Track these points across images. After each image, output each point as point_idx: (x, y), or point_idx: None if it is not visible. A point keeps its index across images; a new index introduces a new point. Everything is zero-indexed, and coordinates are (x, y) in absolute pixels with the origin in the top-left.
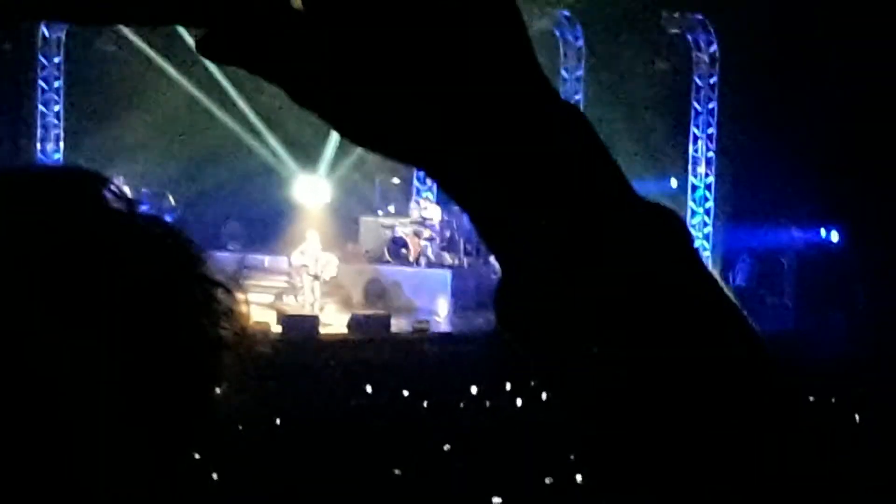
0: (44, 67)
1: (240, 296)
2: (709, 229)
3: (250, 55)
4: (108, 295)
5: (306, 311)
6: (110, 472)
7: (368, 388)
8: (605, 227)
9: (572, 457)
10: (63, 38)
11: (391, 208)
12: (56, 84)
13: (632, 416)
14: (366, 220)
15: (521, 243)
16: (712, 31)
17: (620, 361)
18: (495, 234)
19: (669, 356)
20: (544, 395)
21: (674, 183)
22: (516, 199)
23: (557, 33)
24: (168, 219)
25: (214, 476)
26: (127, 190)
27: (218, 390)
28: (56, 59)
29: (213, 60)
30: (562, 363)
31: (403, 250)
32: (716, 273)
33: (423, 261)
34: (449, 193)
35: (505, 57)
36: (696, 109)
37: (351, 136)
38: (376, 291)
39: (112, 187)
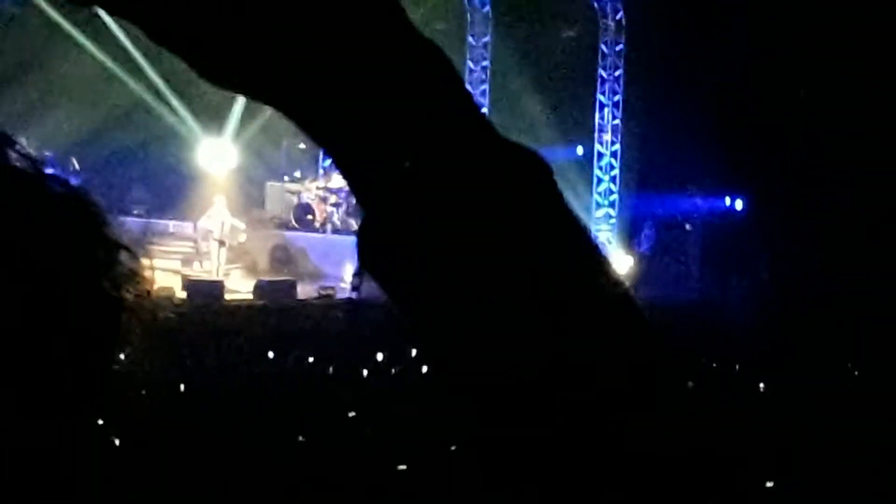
0: None
1: (144, 259)
2: (614, 197)
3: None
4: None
5: (212, 277)
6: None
7: (271, 355)
8: (463, 164)
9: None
10: None
11: (297, 174)
12: None
13: (492, 362)
14: (272, 186)
15: (378, 182)
16: None
17: (479, 304)
18: (353, 173)
19: (531, 298)
20: None
21: (580, 150)
22: (370, 135)
23: (465, 0)
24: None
25: (116, 441)
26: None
27: (122, 355)
28: None
29: (74, 3)
30: (423, 306)
31: (309, 216)
32: (621, 240)
33: (329, 227)
34: (307, 132)
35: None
36: (602, 77)
37: (206, 75)
38: (282, 257)
39: (17, 146)
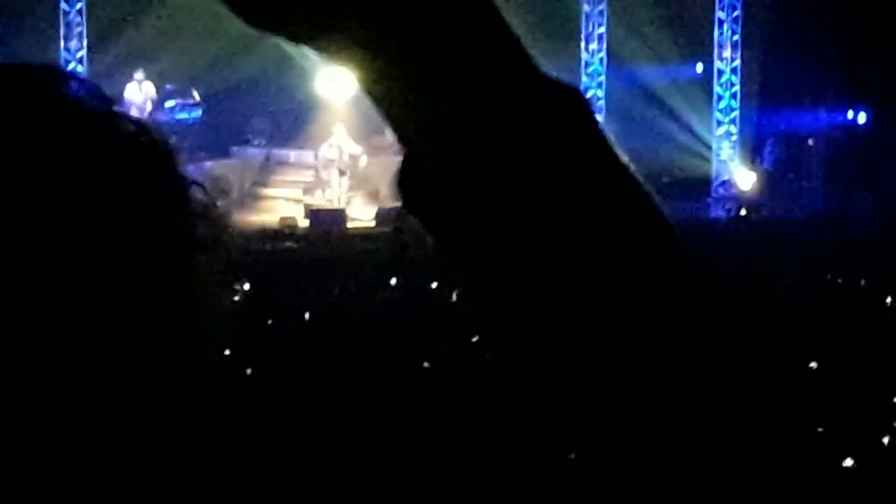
0: None
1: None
2: (735, 114)
3: None
4: (74, 191)
5: (334, 205)
6: (80, 368)
7: (394, 281)
8: (502, 100)
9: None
10: None
11: None
12: None
13: (537, 297)
14: None
15: (420, 119)
16: None
17: (524, 238)
18: (395, 110)
19: (574, 236)
20: None
21: (699, 68)
22: (412, 73)
23: None
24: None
25: (248, 371)
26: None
27: (247, 286)
28: None
29: None
30: (467, 245)
31: None
32: (743, 157)
33: None
34: (348, 69)
35: None
36: None
37: (243, 15)
38: None
39: (87, 84)
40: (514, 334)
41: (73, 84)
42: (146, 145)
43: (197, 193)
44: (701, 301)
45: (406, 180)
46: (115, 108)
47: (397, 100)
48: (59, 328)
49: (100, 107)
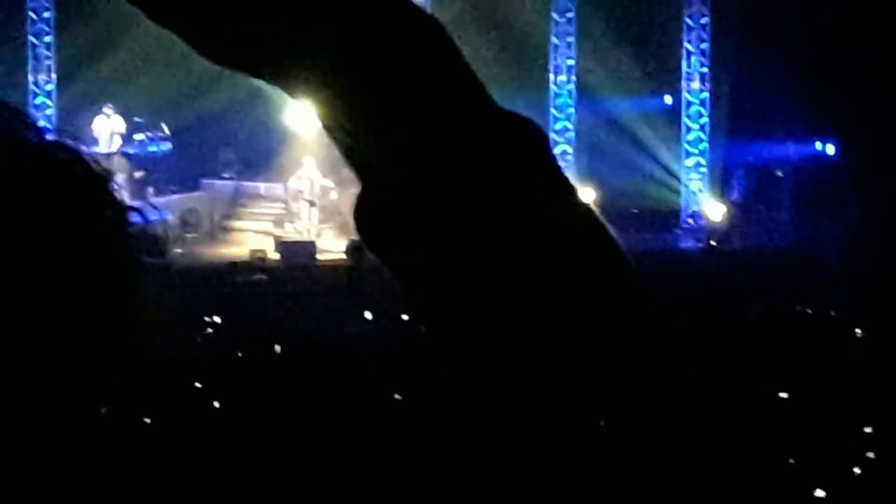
0: None
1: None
2: (704, 145)
3: None
4: (9, 221)
5: (304, 237)
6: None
7: (369, 315)
8: (457, 133)
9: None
10: None
11: None
12: (46, 14)
13: (492, 325)
14: None
15: (375, 153)
16: None
17: (479, 270)
18: (350, 144)
19: (527, 265)
20: None
21: (668, 100)
22: (368, 107)
23: None
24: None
25: (216, 404)
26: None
27: (217, 318)
28: None
29: None
30: (422, 277)
31: None
32: (712, 188)
33: None
34: (319, 112)
35: None
36: (688, 25)
37: (203, 50)
38: None
39: (21, 116)
40: (470, 361)
41: (13, 116)
42: (81, 172)
43: (135, 218)
44: (648, 329)
45: (363, 214)
46: (57, 139)
47: (352, 134)
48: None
49: (33, 137)
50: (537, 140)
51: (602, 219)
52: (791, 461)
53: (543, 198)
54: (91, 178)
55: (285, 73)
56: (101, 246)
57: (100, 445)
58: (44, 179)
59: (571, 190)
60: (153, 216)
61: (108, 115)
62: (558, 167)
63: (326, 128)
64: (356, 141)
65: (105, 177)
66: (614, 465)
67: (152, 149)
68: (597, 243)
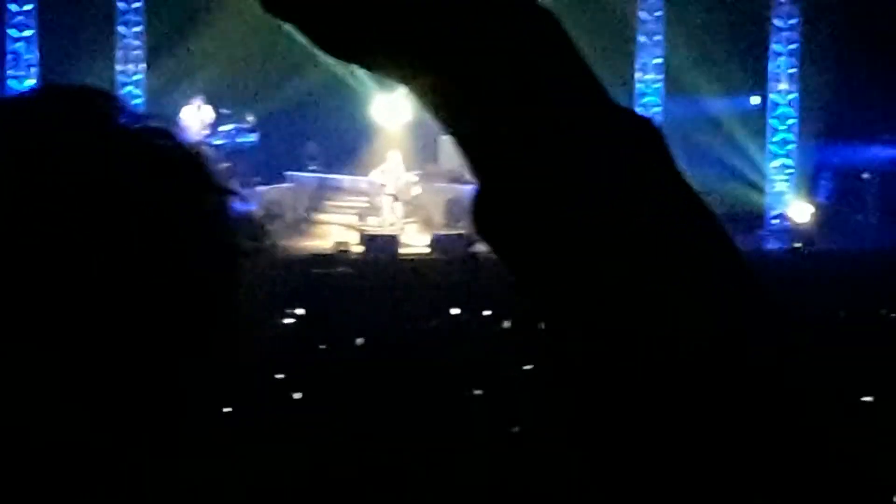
0: None
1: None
2: (791, 147)
3: None
4: (109, 207)
5: (387, 231)
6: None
7: (455, 311)
8: (575, 131)
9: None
10: None
11: None
12: (136, 4)
13: (610, 325)
14: (446, 140)
15: (494, 151)
16: None
17: (599, 269)
18: (469, 142)
19: (648, 266)
20: None
21: (755, 100)
22: (487, 103)
23: None
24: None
25: (296, 395)
26: (208, 109)
27: (299, 310)
28: None
29: None
30: (537, 273)
31: None
32: (799, 190)
33: None
34: (424, 104)
35: None
36: (776, 26)
37: (327, 48)
38: (457, 211)
39: (119, 104)
40: (583, 362)
41: (110, 103)
42: (181, 158)
43: (236, 205)
44: (770, 332)
45: (481, 211)
46: (154, 125)
47: (470, 132)
48: (106, 332)
49: (135, 124)
50: (656, 140)
51: (722, 221)
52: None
53: (663, 198)
54: (190, 162)
55: (404, 70)
56: (203, 229)
57: (198, 436)
58: (144, 165)
59: (690, 191)
60: (240, 207)
61: (197, 106)
62: (677, 167)
63: (443, 125)
64: (474, 139)
65: (204, 162)
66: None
67: (238, 140)
68: (717, 247)
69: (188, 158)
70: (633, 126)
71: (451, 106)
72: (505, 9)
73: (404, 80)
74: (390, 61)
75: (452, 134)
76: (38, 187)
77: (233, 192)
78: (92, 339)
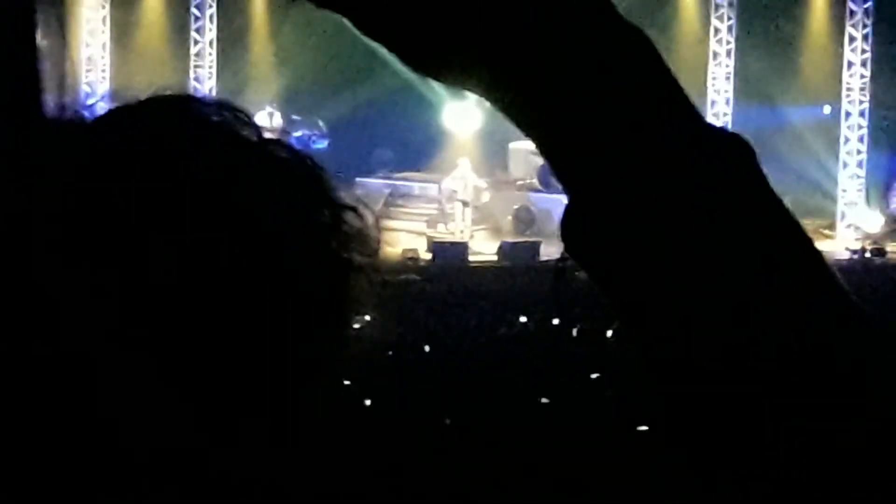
0: None
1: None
2: (863, 156)
3: None
4: (229, 217)
5: (456, 238)
6: (243, 381)
7: (518, 316)
8: (672, 149)
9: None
10: None
11: None
12: (209, 11)
13: (704, 346)
14: (515, 147)
15: (589, 168)
16: None
17: (691, 287)
18: (563, 159)
19: (741, 285)
20: None
21: (827, 109)
22: (578, 121)
23: None
24: (320, 144)
25: (367, 402)
26: (278, 116)
27: (367, 317)
28: None
29: None
30: (629, 291)
31: (553, 177)
32: (871, 200)
33: None
34: (514, 121)
35: None
36: (850, 35)
37: (413, 63)
38: (526, 218)
39: (239, 114)
40: (672, 376)
41: (229, 115)
42: (299, 171)
43: (352, 218)
44: (863, 350)
45: (572, 228)
46: (272, 135)
47: (563, 149)
48: (223, 339)
49: (253, 135)
50: (747, 156)
51: (813, 243)
52: None
53: (757, 216)
54: (310, 176)
55: (491, 86)
56: (322, 244)
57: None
58: (267, 178)
59: (783, 207)
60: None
61: (269, 114)
62: (768, 185)
63: (533, 139)
64: (564, 154)
65: (322, 175)
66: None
67: (310, 146)
68: (809, 263)
69: (307, 171)
70: (726, 143)
71: (541, 122)
72: (595, 25)
73: (494, 95)
74: (473, 76)
75: (542, 149)
76: (169, 198)
77: (349, 207)
78: (206, 352)
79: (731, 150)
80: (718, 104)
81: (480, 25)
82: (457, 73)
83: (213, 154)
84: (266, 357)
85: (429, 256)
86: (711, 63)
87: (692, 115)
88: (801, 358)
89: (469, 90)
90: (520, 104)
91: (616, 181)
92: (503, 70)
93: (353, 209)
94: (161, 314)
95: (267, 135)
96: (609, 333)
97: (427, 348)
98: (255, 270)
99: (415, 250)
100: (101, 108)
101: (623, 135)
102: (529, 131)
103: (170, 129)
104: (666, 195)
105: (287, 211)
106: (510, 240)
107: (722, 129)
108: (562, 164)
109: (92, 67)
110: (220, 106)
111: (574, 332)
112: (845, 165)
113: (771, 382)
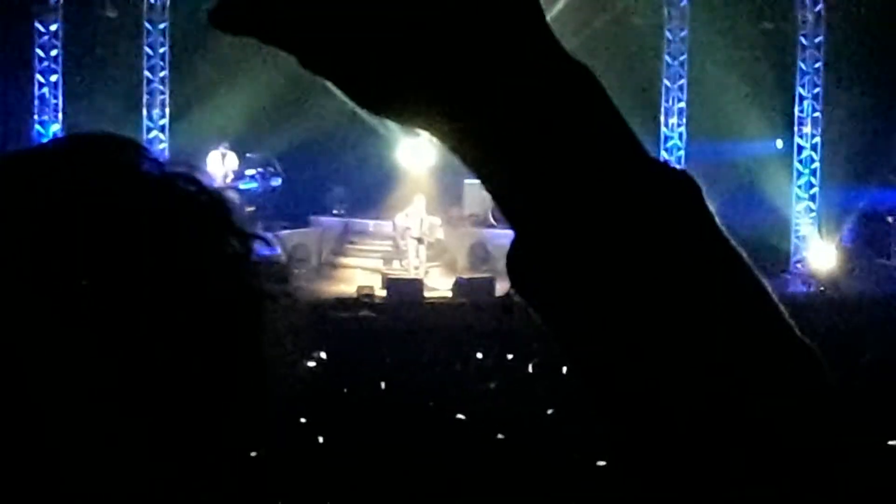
0: (149, 33)
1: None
2: (815, 190)
3: (262, 25)
4: (133, 254)
5: (411, 275)
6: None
7: (474, 352)
8: (618, 187)
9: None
10: (168, 2)
11: None
12: (161, 50)
13: (647, 382)
14: (470, 184)
15: (531, 205)
16: None
17: (635, 323)
18: (505, 195)
19: (685, 319)
20: None
21: (779, 144)
22: (523, 158)
23: None
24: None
25: (320, 439)
26: (232, 156)
27: (323, 354)
28: (161, 25)
29: (225, 31)
30: (572, 327)
31: None
32: (823, 233)
33: None
34: (461, 160)
35: (512, 18)
36: (801, 69)
37: (363, 103)
38: (480, 255)
39: (142, 151)
40: (619, 412)
41: (135, 150)
42: (206, 203)
43: (262, 249)
44: (805, 385)
45: (516, 262)
46: (179, 170)
47: (505, 185)
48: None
49: (154, 170)
50: (692, 193)
51: (762, 279)
52: None
53: (700, 250)
54: (215, 208)
55: (441, 126)
56: (228, 273)
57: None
58: (168, 211)
59: (728, 246)
60: (264, 251)
61: (223, 154)
62: (715, 223)
63: (478, 176)
64: (509, 190)
65: (229, 206)
66: None
67: (263, 184)
68: (756, 301)
69: (212, 203)
70: (672, 179)
71: (486, 159)
72: (539, 61)
73: (440, 133)
74: (424, 116)
75: (487, 186)
76: (64, 236)
77: (257, 237)
78: (117, 381)
79: (677, 187)
80: (672, 139)
81: (429, 68)
82: (404, 113)
83: (113, 188)
84: (179, 386)
85: (384, 293)
86: (663, 99)
87: (638, 153)
88: (741, 390)
89: (417, 128)
90: (466, 144)
91: (560, 219)
92: (450, 110)
93: (263, 238)
94: (71, 346)
95: (175, 169)
96: (565, 369)
97: (383, 385)
98: (158, 301)
99: (370, 287)
100: None
101: (567, 173)
102: (476, 170)
103: (72, 170)
104: (610, 232)
105: (190, 241)
106: (465, 276)
107: (668, 166)
108: (507, 202)
109: (45, 107)
110: (126, 144)
111: (530, 367)
112: (798, 199)
113: (713, 417)
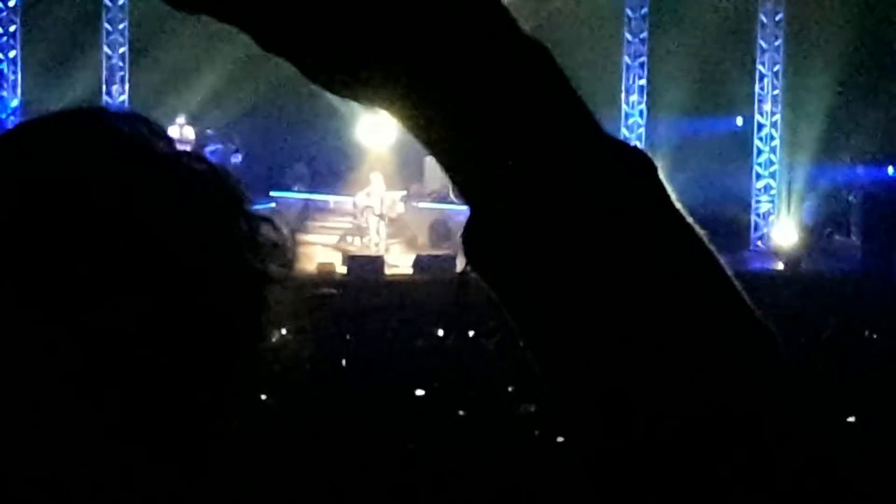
0: (108, 9)
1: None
2: (775, 167)
3: (218, 2)
4: (141, 230)
5: (372, 252)
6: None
7: (436, 329)
8: (572, 165)
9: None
10: None
11: None
12: (121, 26)
13: (600, 360)
14: (430, 160)
15: (486, 182)
16: None
17: (590, 300)
18: (460, 172)
19: (638, 297)
20: None
21: (739, 121)
22: (478, 136)
23: None
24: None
25: (283, 417)
26: (189, 129)
27: (283, 329)
28: (121, 1)
29: (181, 9)
30: (528, 304)
31: None
32: (783, 212)
33: None
34: (416, 137)
35: None
36: (761, 47)
37: (321, 82)
38: (441, 231)
39: (152, 126)
40: (572, 394)
41: (143, 128)
42: (213, 183)
43: (267, 230)
44: (760, 354)
45: (472, 239)
46: (184, 149)
47: (459, 161)
48: (137, 359)
49: (167, 148)
50: (648, 170)
51: (717, 255)
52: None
53: (656, 228)
54: (225, 188)
55: (393, 102)
56: (237, 255)
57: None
58: (181, 189)
59: (684, 221)
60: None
61: (180, 126)
62: (671, 201)
63: (433, 154)
64: (463, 168)
65: (237, 188)
66: None
67: (223, 161)
68: (711, 278)
69: (224, 183)
70: (627, 157)
71: (441, 137)
72: (495, 39)
73: (395, 110)
74: (381, 95)
75: (442, 164)
76: (82, 211)
77: (265, 219)
78: (119, 361)
79: (633, 164)
80: (632, 117)
81: (386, 48)
82: (361, 92)
83: (125, 165)
84: (181, 369)
85: (344, 270)
86: (624, 76)
87: (593, 131)
88: (694, 368)
89: (374, 107)
90: (422, 123)
91: (514, 195)
92: (406, 92)
93: (269, 221)
94: (74, 326)
95: (183, 147)
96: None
97: (344, 362)
98: (168, 281)
99: (331, 264)
100: (12, 122)
101: (522, 150)
102: (430, 148)
103: (80, 142)
104: (564, 210)
105: (202, 222)
106: (426, 253)
107: (624, 144)
108: (461, 178)
109: (3, 83)
110: (133, 118)
111: (490, 344)
112: (758, 177)
113: (666, 397)
